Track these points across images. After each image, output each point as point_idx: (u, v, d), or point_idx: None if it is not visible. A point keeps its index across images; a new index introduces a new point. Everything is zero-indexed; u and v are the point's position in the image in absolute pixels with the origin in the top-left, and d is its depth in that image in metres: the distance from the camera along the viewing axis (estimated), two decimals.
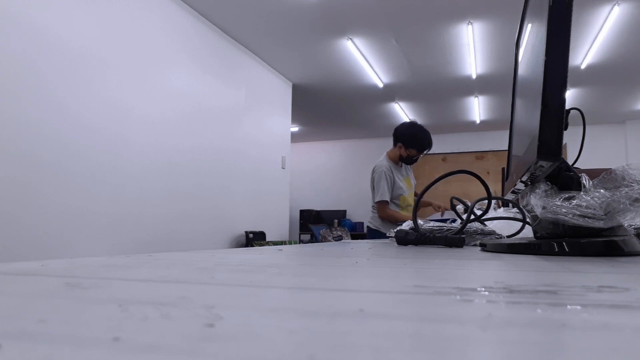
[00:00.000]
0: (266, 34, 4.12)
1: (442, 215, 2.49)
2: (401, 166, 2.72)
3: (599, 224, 0.50)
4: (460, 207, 1.67)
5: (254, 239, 4.23)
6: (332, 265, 0.41)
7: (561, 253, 0.53)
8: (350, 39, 4.22)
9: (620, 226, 0.53)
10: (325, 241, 5.41)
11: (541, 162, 0.50)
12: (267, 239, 4.49)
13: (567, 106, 0.52)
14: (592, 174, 0.57)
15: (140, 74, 3.04)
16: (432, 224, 0.88)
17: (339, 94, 5.80)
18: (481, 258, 0.50)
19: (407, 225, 0.93)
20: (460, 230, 0.83)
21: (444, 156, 8.04)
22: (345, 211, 8.11)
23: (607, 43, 4.25)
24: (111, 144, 2.77)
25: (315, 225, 6.50)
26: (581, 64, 4.70)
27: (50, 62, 2.40)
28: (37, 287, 0.25)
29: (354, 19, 3.86)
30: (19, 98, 2.22)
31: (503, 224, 0.98)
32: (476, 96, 5.94)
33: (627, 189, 0.49)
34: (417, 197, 1.00)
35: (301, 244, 0.93)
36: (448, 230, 0.85)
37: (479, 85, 5.49)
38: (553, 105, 0.49)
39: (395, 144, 2.68)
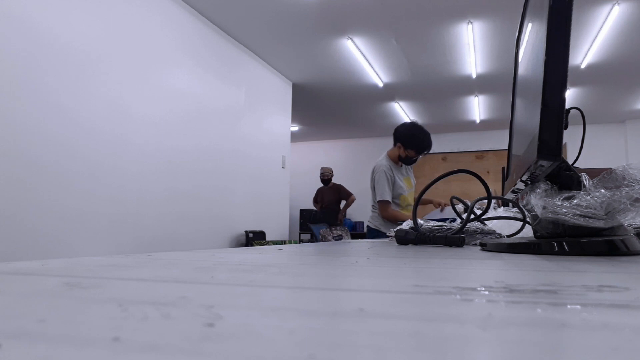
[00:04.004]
0: (266, 33, 4.12)
1: (441, 211, 2.49)
2: (401, 166, 2.72)
3: (600, 224, 0.50)
4: (460, 207, 1.67)
5: (254, 238, 4.23)
6: (332, 264, 0.41)
7: (561, 252, 0.53)
8: (350, 38, 4.22)
9: (621, 226, 0.53)
10: (325, 241, 5.41)
11: (541, 162, 0.50)
12: (267, 239, 4.49)
13: (567, 105, 0.52)
14: (592, 173, 0.57)
15: (140, 74, 3.04)
16: (432, 223, 0.88)
17: (339, 93, 5.80)
18: (481, 257, 0.50)
19: (407, 225, 0.93)
20: (460, 230, 0.83)
21: (444, 156, 8.04)
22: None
23: (607, 43, 4.25)
24: (111, 144, 2.77)
25: (315, 224, 6.50)
26: (581, 63, 4.70)
27: (50, 62, 2.39)
28: (37, 286, 0.25)
29: (354, 19, 3.86)
30: (19, 98, 2.22)
31: (503, 223, 0.98)
32: (476, 96, 5.94)
33: (627, 189, 0.49)
34: (417, 196, 1.00)
35: (301, 244, 0.93)
36: (448, 229, 0.85)
37: (479, 85, 5.49)
38: (553, 104, 0.49)
39: (395, 144, 2.68)
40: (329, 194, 6.27)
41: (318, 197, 6.43)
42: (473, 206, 0.88)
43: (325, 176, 6.26)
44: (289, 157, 5.26)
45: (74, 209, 2.49)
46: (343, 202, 6.34)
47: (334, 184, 6.37)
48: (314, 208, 7.44)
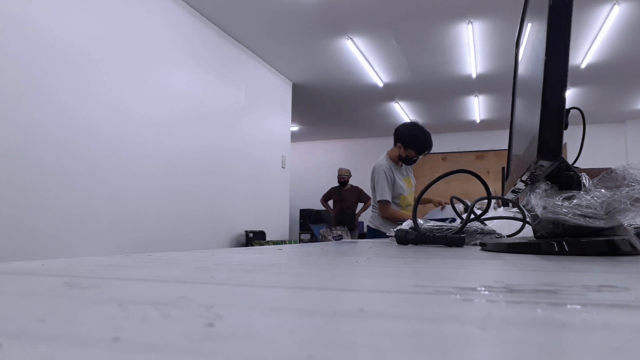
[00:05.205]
0: (266, 33, 4.12)
1: (442, 209, 2.49)
2: (401, 166, 2.72)
3: (600, 224, 0.50)
4: (460, 207, 1.67)
5: (254, 238, 4.23)
6: (332, 264, 0.41)
7: (561, 252, 0.53)
8: (350, 38, 4.22)
9: (621, 226, 0.53)
10: (325, 241, 5.40)
11: (541, 162, 0.50)
12: (267, 239, 4.49)
13: (567, 105, 0.52)
14: (592, 173, 0.57)
15: (140, 74, 3.04)
16: (432, 223, 0.88)
17: (339, 93, 5.80)
18: (481, 257, 0.50)
19: (407, 225, 0.93)
20: (460, 230, 0.83)
21: (444, 155, 8.04)
22: None
23: (607, 43, 4.25)
24: (111, 144, 2.77)
25: (315, 224, 6.49)
26: (581, 63, 4.70)
27: (50, 62, 2.39)
28: (37, 286, 0.25)
29: (354, 19, 3.86)
30: (19, 98, 2.22)
31: (503, 223, 0.98)
32: (476, 95, 5.94)
33: (627, 189, 0.49)
34: (417, 196, 1.00)
35: (301, 244, 0.93)
36: (448, 229, 0.85)
37: (479, 85, 5.49)
38: (553, 104, 0.49)
39: (395, 144, 2.68)
40: (349, 196, 6.08)
41: (333, 196, 6.20)
42: (473, 206, 0.88)
43: (343, 178, 6.07)
44: (289, 157, 5.26)
45: (74, 209, 2.49)
46: (360, 205, 6.18)
47: (352, 185, 6.20)
48: (315, 208, 7.38)
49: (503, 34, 4.07)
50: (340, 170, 6.14)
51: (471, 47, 4.36)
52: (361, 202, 6.07)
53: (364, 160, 7.93)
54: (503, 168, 2.07)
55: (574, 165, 0.69)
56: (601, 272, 0.34)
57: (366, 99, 6.04)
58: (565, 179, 0.57)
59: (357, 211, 6.09)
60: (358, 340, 0.14)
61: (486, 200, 0.92)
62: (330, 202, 6.28)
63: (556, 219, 0.52)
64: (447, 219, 1.15)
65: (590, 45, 4.28)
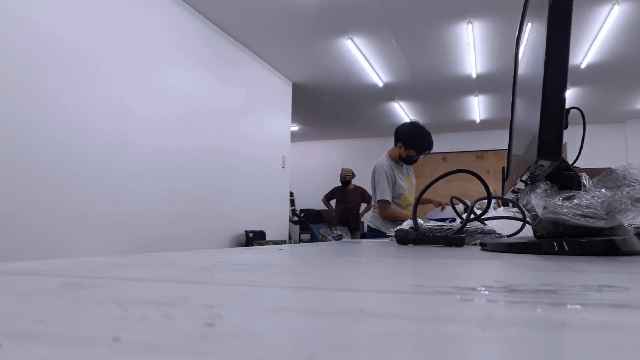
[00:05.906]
0: (266, 33, 4.12)
1: (442, 209, 2.49)
2: (402, 165, 2.72)
3: (600, 224, 0.50)
4: (460, 207, 1.67)
5: (254, 238, 4.23)
6: (332, 264, 0.41)
7: (561, 252, 0.53)
8: (350, 38, 4.22)
9: (621, 226, 0.53)
10: (325, 240, 5.39)
11: (541, 162, 0.50)
12: (267, 239, 4.49)
13: (567, 105, 0.52)
14: (592, 173, 0.57)
15: (140, 74, 3.04)
16: (432, 223, 0.88)
17: (339, 93, 5.80)
18: (481, 257, 0.50)
19: (407, 225, 0.93)
20: (460, 230, 0.83)
21: (444, 155, 8.04)
22: None
23: (607, 42, 4.25)
24: (111, 144, 2.77)
25: (315, 224, 6.49)
26: (581, 63, 4.70)
27: (50, 62, 2.39)
28: (37, 286, 0.25)
29: (353, 18, 3.86)
30: (19, 98, 2.22)
31: (503, 223, 0.98)
32: (476, 95, 5.94)
33: (628, 189, 0.49)
34: (417, 196, 1.00)
35: (301, 244, 0.93)
36: (448, 229, 0.85)
37: (479, 85, 5.49)
38: (553, 104, 0.49)
39: (396, 144, 2.68)
40: (354, 196, 6.04)
41: (336, 196, 6.08)
42: (473, 206, 0.88)
43: (344, 178, 6.00)
44: (289, 157, 5.26)
45: (74, 209, 2.49)
46: (363, 205, 6.14)
47: (356, 186, 6.15)
48: (315, 208, 7.36)
49: (503, 34, 4.07)
50: (342, 170, 6.12)
51: (471, 47, 4.36)
52: (365, 202, 6.04)
53: (364, 160, 7.92)
54: (503, 168, 2.07)
55: (574, 165, 0.69)
56: (601, 272, 0.34)
57: (366, 99, 6.04)
58: (565, 178, 0.57)
59: (360, 211, 6.05)
60: (358, 340, 0.14)
61: (486, 200, 0.92)
62: (333, 202, 6.24)
63: (556, 219, 0.52)
64: (447, 219, 1.15)
65: (590, 45, 4.28)
